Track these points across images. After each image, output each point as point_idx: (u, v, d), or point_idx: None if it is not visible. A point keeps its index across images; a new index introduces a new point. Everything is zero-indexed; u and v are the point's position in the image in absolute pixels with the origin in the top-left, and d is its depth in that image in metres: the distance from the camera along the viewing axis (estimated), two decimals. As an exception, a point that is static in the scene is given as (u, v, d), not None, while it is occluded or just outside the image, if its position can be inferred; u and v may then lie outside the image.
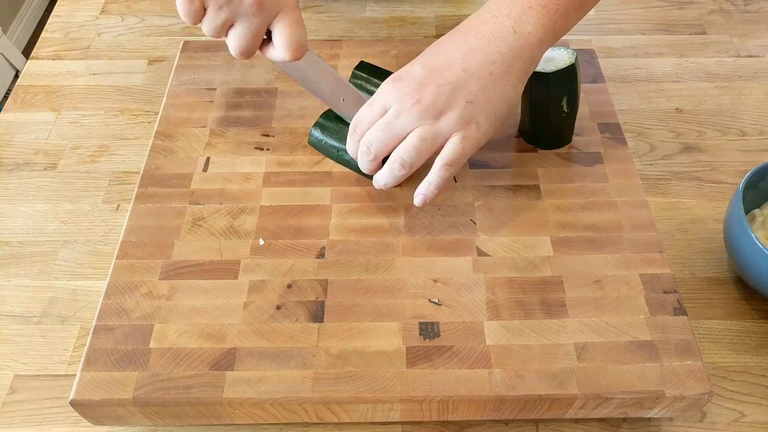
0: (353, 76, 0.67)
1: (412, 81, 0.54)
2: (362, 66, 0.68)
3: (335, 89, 0.61)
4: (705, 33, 0.87)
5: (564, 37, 0.80)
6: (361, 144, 0.55)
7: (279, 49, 0.57)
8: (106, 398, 0.49)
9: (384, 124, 0.54)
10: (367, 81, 0.67)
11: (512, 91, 0.54)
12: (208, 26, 0.56)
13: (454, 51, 0.54)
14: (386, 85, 0.55)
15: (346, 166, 0.63)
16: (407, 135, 0.53)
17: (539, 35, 0.53)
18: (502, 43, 0.53)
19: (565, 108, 0.61)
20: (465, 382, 0.49)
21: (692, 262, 0.64)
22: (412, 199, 0.60)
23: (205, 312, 0.53)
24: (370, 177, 0.60)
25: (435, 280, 0.55)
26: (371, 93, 0.66)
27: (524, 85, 0.55)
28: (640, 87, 0.80)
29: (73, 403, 0.49)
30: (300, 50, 0.57)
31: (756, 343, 0.59)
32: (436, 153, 0.54)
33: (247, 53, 0.57)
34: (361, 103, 0.58)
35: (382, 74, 0.66)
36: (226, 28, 0.56)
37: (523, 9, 0.53)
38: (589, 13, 0.89)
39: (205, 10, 0.55)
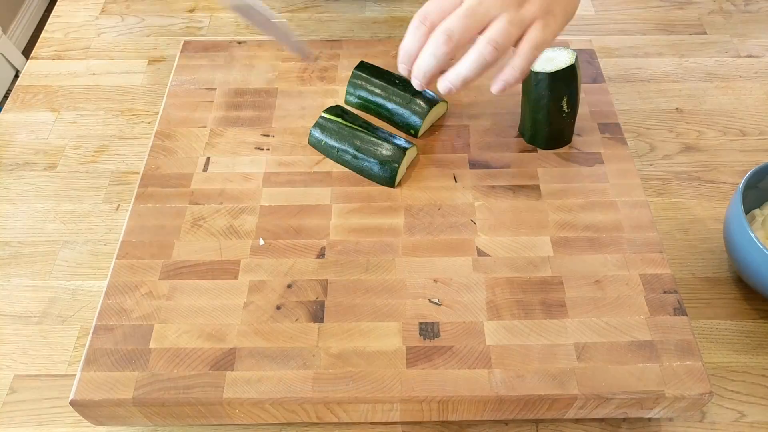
0: (353, 76, 0.67)
1: None
2: (362, 66, 0.68)
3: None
4: (705, 33, 0.87)
5: (564, 37, 0.81)
6: (438, 34, 0.52)
7: None
8: (106, 398, 0.49)
9: (467, 10, 0.51)
10: (368, 81, 0.67)
11: None
12: None
13: None
14: None
15: (346, 166, 0.63)
16: (491, 22, 0.51)
17: None
18: None
19: (565, 108, 0.61)
20: (465, 382, 0.49)
21: (692, 262, 0.64)
22: (412, 200, 0.60)
23: (205, 312, 0.53)
24: (371, 177, 0.60)
25: (435, 280, 0.55)
26: (371, 93, 0.66)
27: None
28: (640, 87, 0.80)
29: (73, 403, 0.49)
30: None
31: (756, 343, 0.59)
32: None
33: None
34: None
35: (381, 74, 0.67)
36: None
37: None
38: (589, 13, 0.90)
39: None
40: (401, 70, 0.55)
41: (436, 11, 0.52)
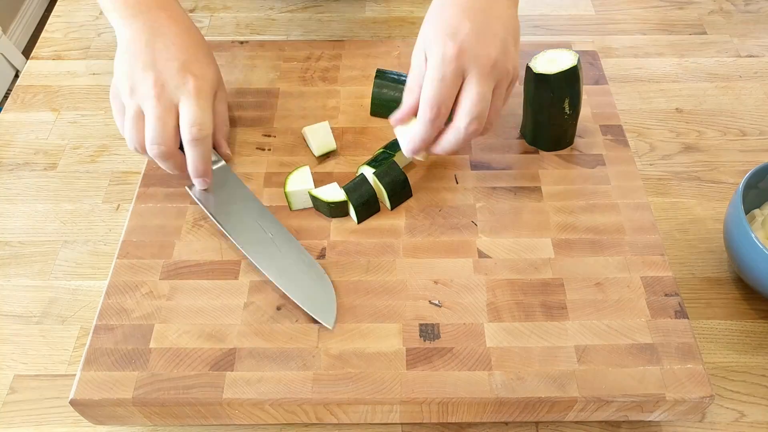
0: (376, 85, 0.66)
1: (472, 37, 0.53)
2: (381, 73, 0.67)
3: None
4: (705, 33, 0.87)
5: (566, 39, 0.81)
6: (468, 122, 0.53)
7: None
8: (106, 398, 0.49)
9: (481, 96, 0.53)
10: (392, 87, 0.66)
11: None
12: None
13: (475, 5, 0.55)
14: (449, 51, 0.53)
15: None
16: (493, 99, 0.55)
17: (516, 5, 0.58)
18: (502, 6, 0.56)
19: (567, 110, 0.61)
20: (465, 384, 0.49)
21: (692, 262, 0.64)
22: (413, 201, 0.60)
23: (206, 312, 0.53)
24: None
25: (435, 282, 0.55)
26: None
27: None
28: (640, 87, 0.80)
29: (73, 403, 0.49)
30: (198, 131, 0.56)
31: (756, 343, 0.59)
32: None
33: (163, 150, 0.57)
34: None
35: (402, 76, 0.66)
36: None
37: None
38: (589, 13, 0.90)
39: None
40: (410, 153, 0.56)
41: (448, 98, 0.53)
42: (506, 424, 0.55)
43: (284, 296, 0.54)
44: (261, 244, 0.56)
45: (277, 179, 0.63)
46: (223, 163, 0.62)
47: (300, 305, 0.53)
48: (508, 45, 0.54)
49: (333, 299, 0.53)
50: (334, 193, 0.59)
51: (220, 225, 0.57)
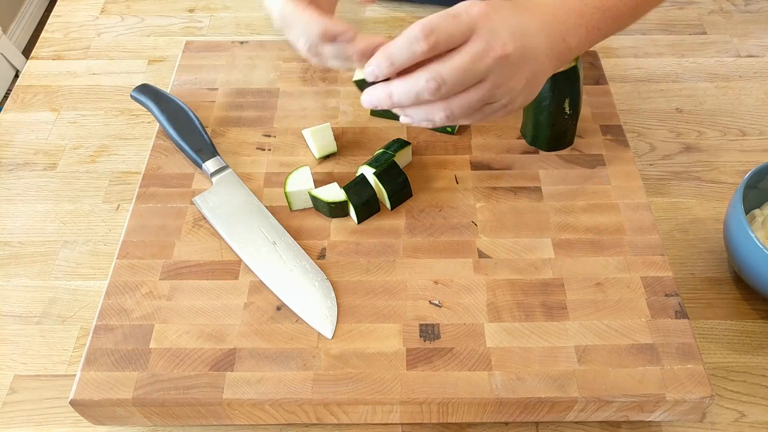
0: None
1: (508, 16, 0.47)
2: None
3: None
4: (705, 33, 0.87)
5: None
6: (431, 77, 0.45)
7: None
8: (106, 398, 0.49)
9: (467, 64, 0.46)
10: None
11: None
12: None
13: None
14: (474, 8, 0.46)
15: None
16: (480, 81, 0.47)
17: (575, 51, 0.52)
18: (557, 41, 0.50)
19: (567, 110, 0.61)
20: (465, 384, 0.49)
21: (692, 262, 0.64)
22: (413, 201, 0.60)
23: (206, 312, 0.53)
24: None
25: (436, 282, 0.55)
26: None
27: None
28: (640, 87, 0.80)
29: (73, 403, 0.49)
30: None
31: (756, 343, 0.59)
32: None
33: None
34: None
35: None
36: None
37: (574, 24, 0.51)
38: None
39: None
40: (368, 67, 0.46)
41: (445, 30, 0.45)
42: (506, 424, 0.55)
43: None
44: (264, 253, 0.57)
45: (277, 179, 0.63)
46: (229, 170, 0.62)
47: (300, 316, 0.53)
48: (538, 78, 0.49)
49: (334, 310, 0.53)
50: (334, 193, 0.59)
51: (225, 237, 0.58)
